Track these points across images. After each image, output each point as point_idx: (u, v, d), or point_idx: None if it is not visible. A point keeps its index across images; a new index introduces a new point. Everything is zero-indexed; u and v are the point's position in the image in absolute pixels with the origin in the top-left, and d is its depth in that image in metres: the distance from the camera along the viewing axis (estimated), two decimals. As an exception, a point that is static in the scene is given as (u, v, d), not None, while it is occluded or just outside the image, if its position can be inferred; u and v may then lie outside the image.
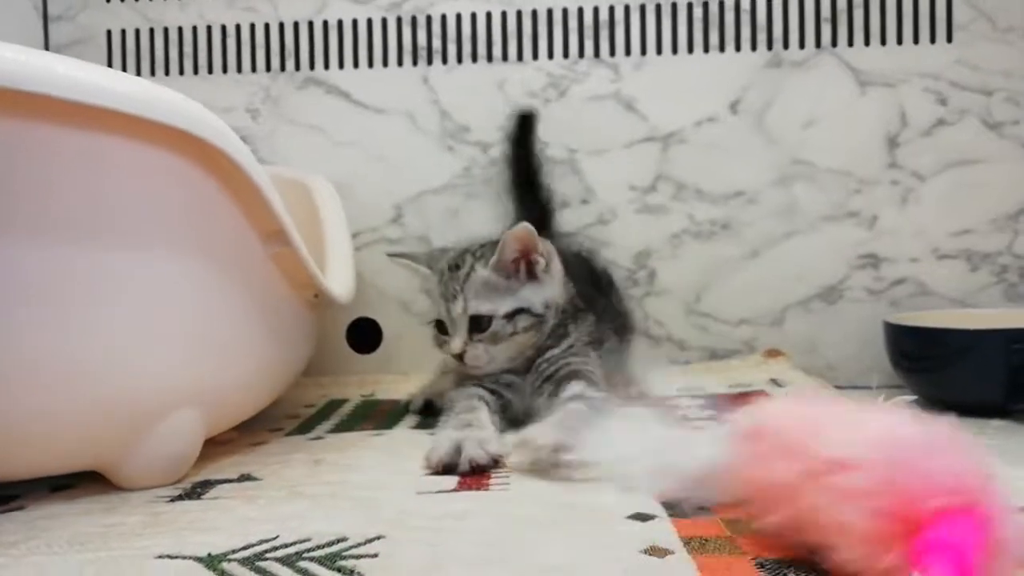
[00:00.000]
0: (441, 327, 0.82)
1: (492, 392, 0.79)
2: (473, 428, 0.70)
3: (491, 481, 0.62)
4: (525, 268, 0.81)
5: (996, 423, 0.84)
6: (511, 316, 0.79)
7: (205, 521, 0.55)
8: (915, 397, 0.83)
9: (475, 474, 0.64)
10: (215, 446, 0.75)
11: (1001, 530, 0.38)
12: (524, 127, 1.08)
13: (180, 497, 0.61)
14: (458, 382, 0.82)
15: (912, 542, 0.37)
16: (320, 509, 0.57)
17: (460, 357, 0.79)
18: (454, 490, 0.61)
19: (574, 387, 0.76)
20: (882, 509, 0.39)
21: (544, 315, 0.81)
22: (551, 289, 0.82)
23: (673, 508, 0.54)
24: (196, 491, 0.63)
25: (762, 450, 0.47)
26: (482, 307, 0.79)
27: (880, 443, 0.42)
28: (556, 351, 0.81)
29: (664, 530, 0.51)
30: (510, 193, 1.09)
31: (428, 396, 0.91)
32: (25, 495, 0.63)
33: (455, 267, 0.82)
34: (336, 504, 0.58)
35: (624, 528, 0.52)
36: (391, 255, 0.91)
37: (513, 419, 0.78)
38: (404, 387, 1.00)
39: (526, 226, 0.78)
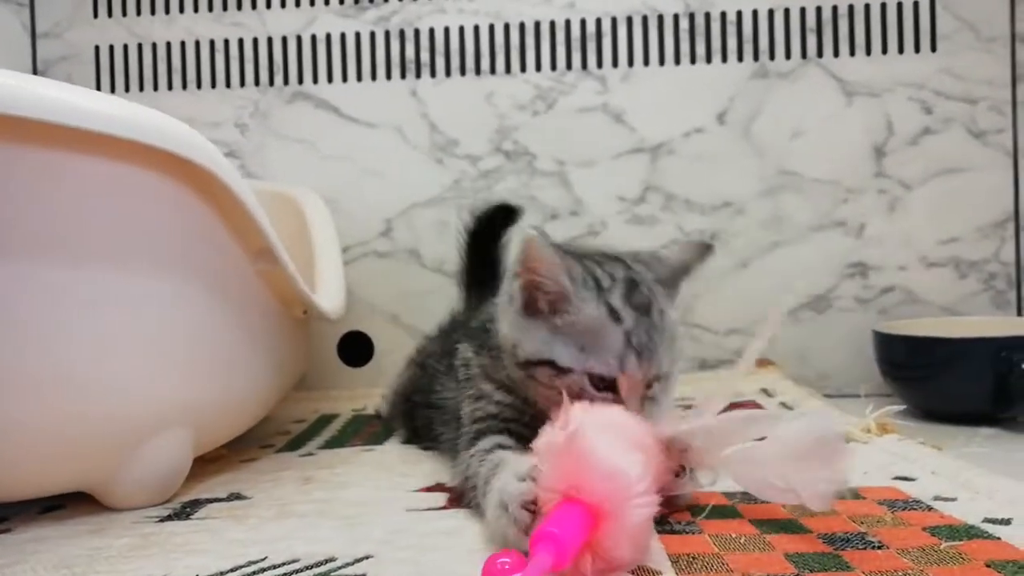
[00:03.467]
0: (602, 382, 0.57)
1: (515, 436, 0.61)
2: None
3: (481, 498, 0.62)
4: None
5: (986, 431, 0.84)
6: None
7: (194, 543, 0.55)
8: (904, 406, 0.84)
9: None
10: (205, 463, 0.75)
11: (617, 520, 0.45)
12: (501, 220, 0.91)
13: (169, 517, 0.61)
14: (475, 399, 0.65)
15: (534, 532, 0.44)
16: (309, 529, 0.57)
17: None
18: (443, 507, 0.61)
19: None
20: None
21: None
22: None
23: (661, 525, 0.54)
24: (185, 511, 0.63)
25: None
26: (676, 365, 0.60)
27: (555, 447, 0.48)
28: None
29: (653, 548, 0.50)
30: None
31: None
32: (13, 517, 0.63)
33: (644, 309, 0.59)
34: (325, 523, 0.58)
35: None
36: (535, 228, 0.58)
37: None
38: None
39: (711, 249, 0.64)
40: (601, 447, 0.47)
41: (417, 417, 0.81)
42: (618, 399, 0.57)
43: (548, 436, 0.50)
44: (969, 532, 0.51)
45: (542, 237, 0.57)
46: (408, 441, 0.84)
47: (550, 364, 0.58)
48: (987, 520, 0.53)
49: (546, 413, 0.55)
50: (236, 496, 0.66)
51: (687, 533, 0.53)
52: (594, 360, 0.57)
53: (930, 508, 0.56)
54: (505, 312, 0.61)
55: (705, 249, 0.65)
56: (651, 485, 0.47)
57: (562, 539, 0.42)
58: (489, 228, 0.91)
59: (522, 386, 0.61)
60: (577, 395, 0.57)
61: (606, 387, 0.57)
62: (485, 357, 0.65)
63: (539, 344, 0.59)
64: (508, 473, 0.52)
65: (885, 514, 0.55)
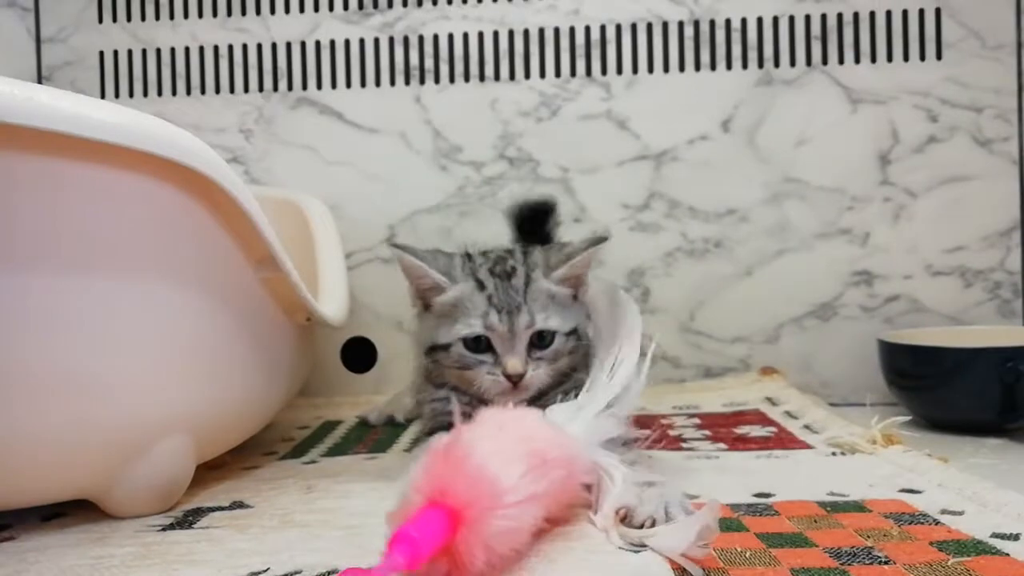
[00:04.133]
0: (477, 344, 0.68)
1: None
2: None
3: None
4: (574, 286, 0.73)
5: (992, 442, 0.84)
6: (569, 335, 0.70)
7: (196, 553, 0.55)
8: (909, 417, 0.84)
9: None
10: (208, 470, 0.74)
11: (475, 528, 0.45)
12: (539, 217, 0.93)
13: (171, 526, 0.61)
14: (425, 403, 0.74)
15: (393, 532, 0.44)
16: (312, 539, 0.57)
17: (515, 379, 0.67)
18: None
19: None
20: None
21: (584, 342, 0.72)
22: (584, 316, 0.74)
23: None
24: (187, 520, 0.62)
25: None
26: (551, 321, 0.69)
27: (434, 451, 0.49)
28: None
29: (656, 561, 0.50)
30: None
31: (390, 412, 0.96)
32: (16, 525, 0.62)
33: (505, 275, 0.70)
34: (328, 533, 0.58)
35: (615, 559, 0.51)
36: (394, 245, 0.72)
37: None
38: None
39: (605, 240, 0.72)
40: (478, 453, 0.47)
41: None
42: (498, 361, 0.67)
43: (435, 441, 0.50)
44: (977, 548, 0.50)
45: (403, 250, 0.70)
46: None
47: (439, 347, 0.69)
48: (995, 535, 0.52)
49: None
50: (239, 504, 0.66)
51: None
52: (461, 325, 0.68)
53: (937, 522, 0.56)
54: (414, 318, 0.74)
55: (596, 241, 0.72)
56: (535, 499, 0.48)
57: (418, 541, 0.42)
58: (532, 225, 0.92)
59: (439, 377, 0.72)
60: (465, 367, 0.68)
61: (482, 349, 0.68)
62: (428, 361, 0.73)
63: (429, 332, 0.71)
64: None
65: (892, 528, 0.55)
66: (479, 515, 0.45)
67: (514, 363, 0.67)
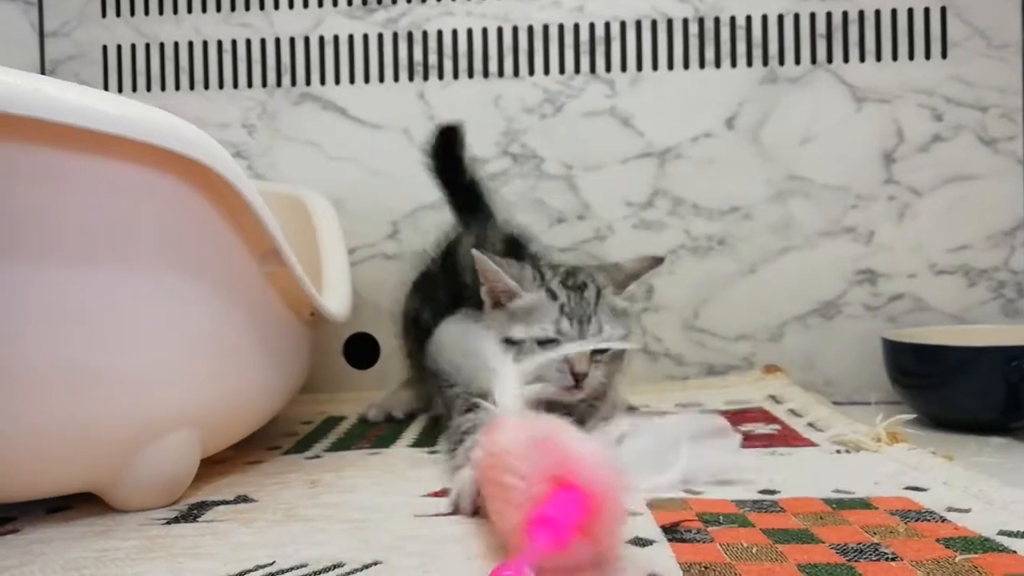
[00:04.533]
0: (548, 345, 0.75)
1: None
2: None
3: (489, 504, 0.62)
4: (629, 299, 0.82)
5: (996, 441, 0.83)
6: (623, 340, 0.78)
7: (200, 546, 0.54)
8: (914, 416, 0.84)
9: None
10: (212, 465, 0.74)
11: (606, 508, 0.45)
12: (448, 142, 1.01)
13: (176, 520, 0.61)
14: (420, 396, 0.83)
15: (529, 517, 0.44)
16: (317, 533, 0.57)
17: (580, 377, 0.74)
18: (451, 513, 0.60)
19: None
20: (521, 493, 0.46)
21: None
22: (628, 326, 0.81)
23: (672, 533, 0.54)
24: (192, 513, 0.62)
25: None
26: (616, 331, 0.77)
27: (528, 443, 0.49)
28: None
29: (664, 555, 0.50)
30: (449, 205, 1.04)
31: (388, 408, 0.97)
32: (21, 517, 0.62)
33: (577, 288, 0.78)
34: (333, 528, 0.58)
35: (624, 553, 0.51)
36: (478, 252, 0.78)
37: None
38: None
39: (662, 261, 0.83)
40: (581, 437, 0.48)
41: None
42: (567, 358, 0.73)
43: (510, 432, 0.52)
44: (985, 545, 0.50)
45: (484, 254, 0.77)
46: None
47: (512, 341, 0.76)
48: (1002, 532, 0.52)
49: None
50: (243, 499, 0.66)
51: (698, 542, 0.52)
52: (536, 327, 0.76)
53: (943, 519, 0.56)
54: (484, 311, 0.81)
55: (655, 262, 0.83)
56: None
57: (558, 522, 0.43)
58: (448, 153, 1.01)
59: None
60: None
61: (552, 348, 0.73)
62: None
63: (501, 327, 0.78)
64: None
65: (898, 525, 0.55)
66: (610, 494, 0.45)
67: (581, 362, 0.73)
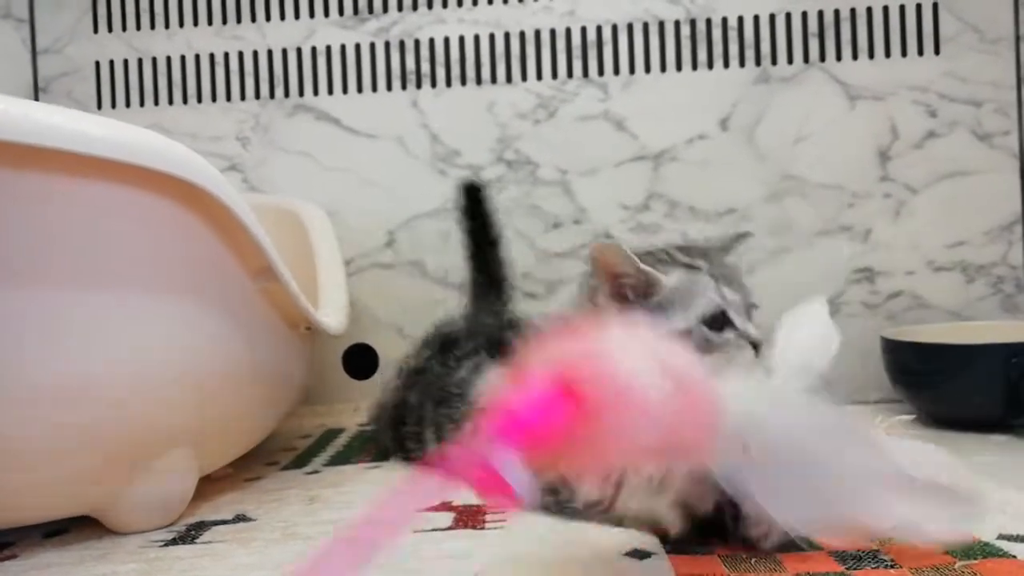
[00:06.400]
0: (716, 322, 0.63)
1: None
2: None
3: (487, 519, 0.62)
4: None
5: (997, 438, 0.83)
6: None
7: (199, 568, 0.54)
8: (914, 415, 0.84)
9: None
10: (210, 483, 0.74)
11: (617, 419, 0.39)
12: (473, 199, 0.98)
13: (174, 541, 0.61)
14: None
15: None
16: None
17: (758, 347, 0.63)
18: (450, 528, 0.60)
19: None
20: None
21: None
22: None
23: (671, 545, 0.54)
24: (190, 534, 0.62)
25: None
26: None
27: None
28: None
29: (662, 568, 0.50)
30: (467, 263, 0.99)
31: None
32: (18, 542, 0.62)
33: (705, 255, 0.67)
34: (331, 545, 0.58)
35: (622, 565, 0.51)
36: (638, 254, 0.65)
37: None
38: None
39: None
40: (616, 345, 0.42)
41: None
42: (742, 333, 0.62)
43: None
44: (984, 550, 0.50)
45: (614, 243, 0.64)
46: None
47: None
48: (1001, 536, 0.52)
49: None
50: (241, 518, 0.66)
51: (696, 553, 0.52)
52: (697, 304, 0.62)
53: (943, 523, 0.55)
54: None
55: (741, 236, 0.75)
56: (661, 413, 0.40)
57: (527, 422, 0.38)
58: (476, 208, 0.98)
59: None
60: (709, 349, 0.61)
61: (720, 326, 0.62)
62: None
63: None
64: None
65: (897, 530, 0.54)
66: (620, 408, 0.39)
67: (755, 330, 0.63)
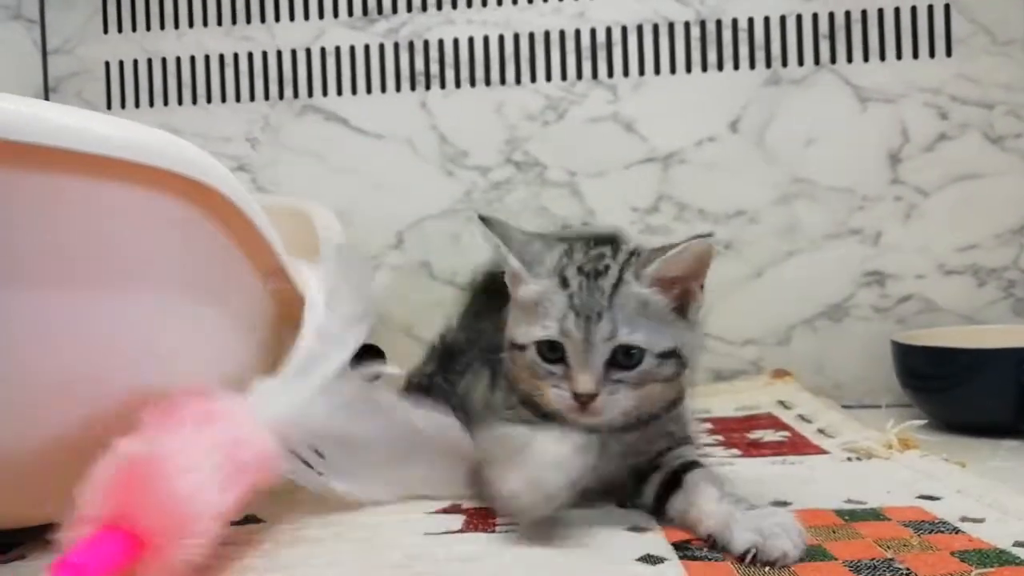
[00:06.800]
0: (552, 352, 0.57)
1: None
2: None
3: (498, 522, 0.61)
4: (679, 298, 0.61)
5: (1009, 443, 0.83)
6: (665, 357, 0.58)
7: (206, 570, 0.54)
8: (925, 420, 0.83)
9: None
10: (219, 485, 0.74)
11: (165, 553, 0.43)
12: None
13: (183, 543, 0.60)
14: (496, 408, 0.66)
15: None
16: (325, 555, 0.56)
17: (585, 400, 0.56)
18: (460, 531, 0.60)
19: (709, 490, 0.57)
20: None
21: (687, 367, 0.61)
22: (695, 338, 0.63)
23: (684, 551, 0.53)
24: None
25: None
26: (636, 336, 0.56)
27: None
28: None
29: (675, 573, 0.50)
30: None
31: None
32: (26, 543, 0.62)
33: (595, 273, 0.58)
34: (342, 548, 0.57)
35: (634, 571, 0.51)
36: (481, 217, 0.63)
37: None
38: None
39: (712, 243, 0.59)
40: (169, 472, 0.45)
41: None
42: (568, 373, 0.57)
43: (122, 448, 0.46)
44: (1000, 557, 0.50)
45: (487, 224, 0.62)
46: None
47: (516, 346, 0.60)
48: (1017, 544, 0.52)
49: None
50: (251, 519, 0.65)
51: (710, 560, 0.52)
52: (538, 327, 0.57)
53: (957, 530, 0.55)
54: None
55: (704, 235, 0.62)
56: (226, 511, 0.46)
57: (82, 568, 0.40)
58: None
59: (514, 380, 0.63)
60: (535, 375, 0.59)
61: (555, 359, 0.57)
62: (507, 359, 0.64)
63: (510, 327, 0.61)
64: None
65: (911, 537, 0.54)
66: (169, 542, 0.43)
67: (584, 380, 0.56)
